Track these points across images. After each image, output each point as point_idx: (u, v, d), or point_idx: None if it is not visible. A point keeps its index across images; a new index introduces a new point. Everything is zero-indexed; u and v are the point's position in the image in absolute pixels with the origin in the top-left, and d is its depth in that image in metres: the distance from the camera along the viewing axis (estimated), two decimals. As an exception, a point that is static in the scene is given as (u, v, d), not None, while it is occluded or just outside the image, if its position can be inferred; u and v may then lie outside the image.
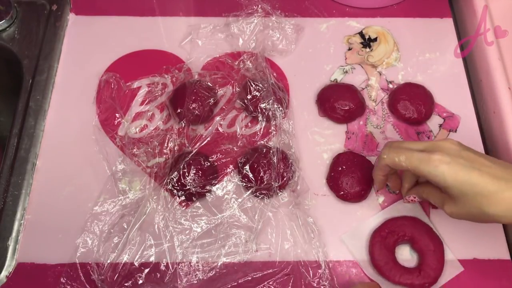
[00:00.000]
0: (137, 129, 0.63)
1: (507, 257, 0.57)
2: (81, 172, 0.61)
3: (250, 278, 0.54)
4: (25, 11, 0.71)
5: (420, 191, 0.53)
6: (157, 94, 0.66)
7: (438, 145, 0.48)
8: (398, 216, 0.58)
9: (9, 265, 0.55)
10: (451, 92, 0.67)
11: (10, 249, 0.56)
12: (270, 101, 0.62)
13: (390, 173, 0.54)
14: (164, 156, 0.61)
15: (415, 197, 0.54)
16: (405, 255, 0.57)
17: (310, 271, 0.55)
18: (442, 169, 0.45)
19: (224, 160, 0.61)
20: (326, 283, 0.54)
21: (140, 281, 0.54)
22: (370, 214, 0.59)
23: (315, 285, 0.54)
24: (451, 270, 0.55)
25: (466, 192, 0.45)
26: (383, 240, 0.56)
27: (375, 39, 0.72)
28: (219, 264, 0.55)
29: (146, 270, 0.55)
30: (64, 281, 0.54)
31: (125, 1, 0.74)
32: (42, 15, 0.71)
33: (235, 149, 0.62)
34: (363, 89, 0.68)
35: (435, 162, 0.46)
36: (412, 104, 0.64)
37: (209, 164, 0.60)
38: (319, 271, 0.55)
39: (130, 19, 0.72)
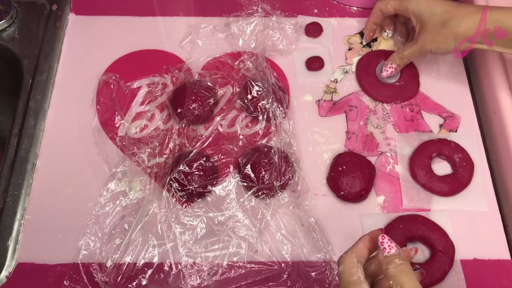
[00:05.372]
0: (137, 129, 0.63)
1: (507, 257, 0.57)
2: (81, 172, 0.61)
3: (252, 278, 0.54)
4: (25, 11, 0.71)
5: (397, 52, 0.64)
6: (157, 94, 0.66)
7: None
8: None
9: (9, 265, 0.55)
10: (451, 92, 0.67)
11: (10, 249, 0.56)
12: (270, 101, 0.62)
13: (379, 21, 0.68)
14: (164, 156, 0.61)
15: (392, 65, 0.65)
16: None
17: (313, 271, 0.55)
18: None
19: (224, 160, 0.61)
20: (333, 283, 0.54)
21: (144, 282, 0.54)
22: (370, 214, 0.59)
23: (320, 284, 0.54)
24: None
25: (434, 12, 0.58)
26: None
27: (375, 39, 0.72)
28: (222, 264, 0.55)
29: (150, 271, 0.54)
30: (67, 284, 0.54)
31: (125, 1, 0.74)
32: (42, 15, 0.71)
33: (236, 149, 0.62)
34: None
35: None
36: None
37: (209, 164, 0.59)
38: (323, 270, 0.55)
39: (130, 19, 0.72)
